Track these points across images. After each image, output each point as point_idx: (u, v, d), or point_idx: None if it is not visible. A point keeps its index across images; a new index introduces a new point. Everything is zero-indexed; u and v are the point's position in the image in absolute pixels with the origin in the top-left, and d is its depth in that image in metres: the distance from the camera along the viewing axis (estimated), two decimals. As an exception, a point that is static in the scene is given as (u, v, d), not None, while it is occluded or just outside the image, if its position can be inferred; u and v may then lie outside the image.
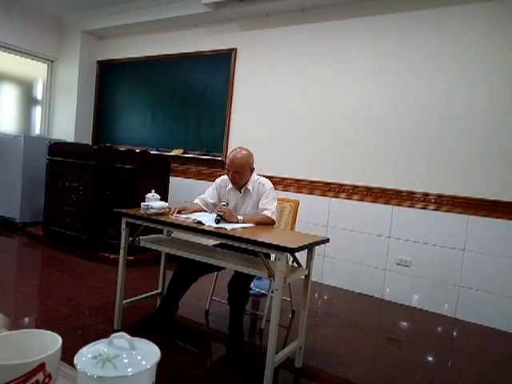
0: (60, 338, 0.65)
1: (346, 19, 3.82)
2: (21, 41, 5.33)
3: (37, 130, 5.89)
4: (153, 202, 2.33)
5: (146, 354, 0.63)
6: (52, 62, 5.89)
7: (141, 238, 2.41)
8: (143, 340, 0.67)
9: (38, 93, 5.89)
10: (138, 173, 4.03)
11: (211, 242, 2.58)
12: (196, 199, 2.65)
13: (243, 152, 2.51)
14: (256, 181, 2.57)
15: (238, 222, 2.26)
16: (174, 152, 4.90)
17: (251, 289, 3.16)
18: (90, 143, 5.71)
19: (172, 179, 4.58)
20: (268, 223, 2.41)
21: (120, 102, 5.58)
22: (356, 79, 3.76)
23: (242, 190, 2.56)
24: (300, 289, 2.32)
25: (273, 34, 4.26)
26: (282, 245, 1.82)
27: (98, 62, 5.82)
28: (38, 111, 5.90)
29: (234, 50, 4.51)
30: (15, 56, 5.47)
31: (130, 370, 0.59)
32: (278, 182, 4.07)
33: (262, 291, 3.30)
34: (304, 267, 2.20)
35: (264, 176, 2.65)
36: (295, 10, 4.06)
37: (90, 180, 4.01)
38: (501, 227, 3.12)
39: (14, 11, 5.17)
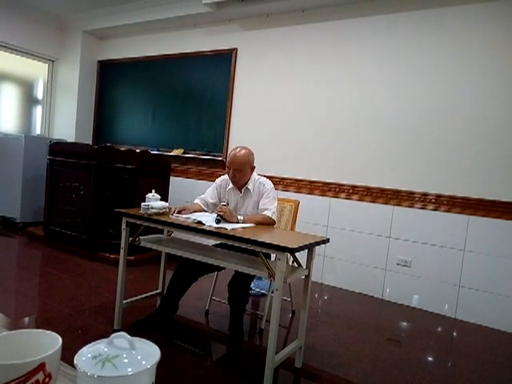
0: (60, 338, 0.65)
1: (347, 19, 3.82)
2: (21, 41, 5.34)
3: (37, 129, 5.90)
4: (153, 201, 2.33)
5: (146, 353, 0.63)
6: (53, 61, 5.89)
7: (141, 238, 2.41)
8: (143, 340, 0.67)
9: (39, 93, 5.89)
10: (138, 173, 4.03)
11: (211, 242, 2.58)
12: (196, 199, 2.66)
13: (244, 150, 2.51)
14: (257, 180, 2.57)
15: (238, 222, 2.26)
16: (175, 152, 4.90)
17: (251, 289, 3.16)
18: (91, 143, 5.72)
19: (172, 179, 4.58)
20: (268, 223, 2.41)
21: (120, 102, 5.59)
22: (356, 79, 3.76)
23: (243, 190, 2.56)
24: (300, 289, 2.32)
25: (273, 34, 4.26)
26: (282, 245, 1.82)
27: (99, 61, 5.83)
28: (38, 111, 5.91)
29: (235, 50, 4.51)
30: (16, 56, 5.47)
31: (130, 369, 0.59)
32: (278, 182, 4.07)
33: (262, 291, 3.30)
34: (304, 267, 2.20)
35: (264, 176, 2.65)
36: (296, 10, 4.06)
37: (91, 180, 4.01)
38: (500, 227, 3.12)
39: (14, 11, 5.18)
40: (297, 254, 2.03)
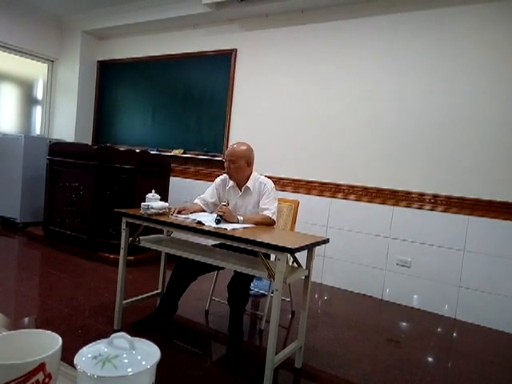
0: (60, 338, 0.65)
1: (347, 20, 3.82)
2: (21, 41, 5.33)
3: (37, 130, 5.89)
4: (153, 202, 2.33)
5: (146, 354, 0.63)
6: (52, 61, 5.89)
7: (141, 238, 2.41)
8: (143, 340, 0.67)
9: (39, 93, 5.89)
10: (138, 173, 4.03)
11: (211, 242, 2.57)
12: (196, 199, 2.65)
13: (244, 146, 2.53)
14: (257, 180, 2.56)
15: (238, 222, 2.26)
16: (174, 152, 4.90)
17: (251, 289, 3.16)
18: (90, 143, 5.72)
19: (172, 179, 4.58)
20: (268, 223, 2.41)
21: (120, 102, 5.59)
22: (355, 79, 3.76)
23: (242, 189, 2.56)
24: (300, 289, 2.32)
25: (273, 35, 4.26)
26: (282, 245, 1.82)
27: (99, 61, 5.83)
28: (38, 111, 5.91)
29: (235, 50, 4.51)
30: (15, 56, 5.47)
31: (130, 370, 0.59)
32: (278, 182, 4.07)
33: (262, 291, 3.30)
34: (304, 267, 2.20)
35: (264, 176, 2.65)
36: (295, 10, 4.07)
37: (90, 180, 4.01)
38: (501, 227, 3.12)
39: (14, 11, 5.18)
40: (296, 255, 2.03)
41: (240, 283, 2.39)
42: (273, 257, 1.93)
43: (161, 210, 2.31)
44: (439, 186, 3.36)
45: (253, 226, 2.29)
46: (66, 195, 4.26)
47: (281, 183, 4.11)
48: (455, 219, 3.28)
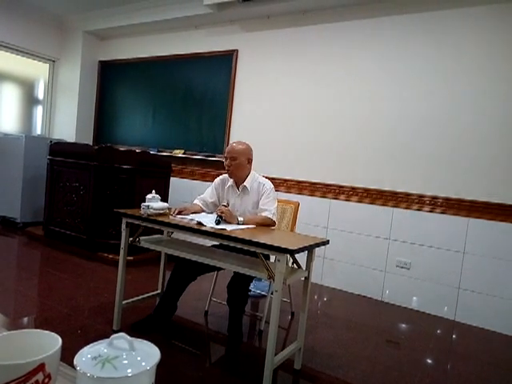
0: (60, 339, 0.65)
1: (348, 21, 3.82)
2: (22, 41, 5.34)
3: (38, 129, 5.90)
4: (153, 202, 2.33)
5: (145, 354, 0.63)
6: (53, 62, 5.90)
7: (141, 238, 2.41)
8: (143, 341, 0.67)
9: (40, 93, 5.89)
10: (138, 173, 4.03)
11: (211, 243, 2.57)
12: (196, 200, 2.65)
13: (242, 143, 2.54)
14: (255, 180, 2.56)
15: (238, 223, 2.26)
16: (175, 153, 4.90)
17: (251, 290, 3.16)
18: (91, 143, 5.72)
19: (172, 180, 4.58)
20: (268, 224, 2.41)
21: (121, 103, 5.59)
22: (357, 81, 3.76)
23: (240, 188, 2.56)
24: (300, 290, 2.32)
25: (274, 36, 4.27)
26: (282, 246, 1.82)
27: (100, 62, 5.83)
28: (39, 111, 5.91)
29: (236, 51, 4.52)
30: (17, 56, 5.47)
31: (129, 370, 0.59)
32: (279, 183, 4.07)
33: (262, 292, 3.30)
34: (304, 269, 2.20)
35: (264, 177, 2.65)
36: (297, 11, 4.07)
37: (91, 180, 4.01)
38: (501, 229, 3.12)
39: (15, 11, 5.19)
40: (296, 256, 2.03)
41: (239, 284, 2.39)
42: (272, 258, 1.92)
43: (161, 210, 2.31)
44: (439, 187, 3.36)
45: (253, 226, 2.29)
46: (66, 195, 4.26)
47: (284, 185, 4.12)
48: (454, 221, 3.28)
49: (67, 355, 0.74)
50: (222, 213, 2.24)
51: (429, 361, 2.53)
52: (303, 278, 2.22)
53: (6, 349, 0.63)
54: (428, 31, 3.43)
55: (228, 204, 2.43)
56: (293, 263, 2.20)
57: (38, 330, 0.67)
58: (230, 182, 2.60)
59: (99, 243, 4.00)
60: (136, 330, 2.39)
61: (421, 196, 3.43)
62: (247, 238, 1.92)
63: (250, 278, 2.40)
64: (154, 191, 2.42)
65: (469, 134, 3.26)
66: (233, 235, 1.97)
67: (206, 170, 4.73)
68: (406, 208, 3.49)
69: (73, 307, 2.71)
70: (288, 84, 4.16)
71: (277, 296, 1.85)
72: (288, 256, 1.90)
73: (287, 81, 4.17)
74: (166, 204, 2.37)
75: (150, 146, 5.10)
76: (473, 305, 3.21)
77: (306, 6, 3.95)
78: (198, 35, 4.83)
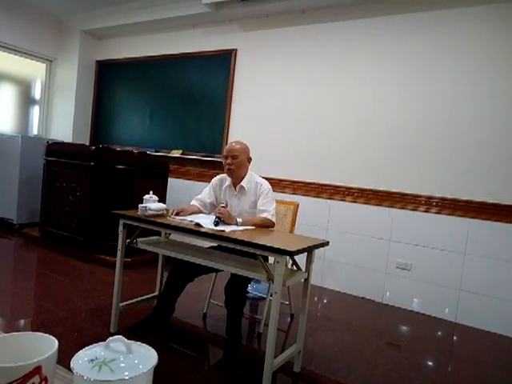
0: (56, 341, 0.65)
1: (347, 20, 3.82)
2: (19, 40, 5.32)
3: (34, 130, 5.87)
4: (151, 203, 2.31)
5: (143, 357, 0.63)
6: (51, 61, 5.87)
7: (138, 239, 2.39)
8: (140, 343, 0.67)
9: (37, 93, 5.86)
10: (136, 174, 4.00)
11: (209, 244, 2.55)
12: (193, 200, 2.63)
13: (241, 143, 2.54)
14: (253, 180, 2.54)
15: (236, 224, 2.24)
16: (173, 153, 4.88)
17: (250, 292, 3.14)
18: (88, 144, 5.69)
19: (171, 180, 4.55)
20: (267, 225, 2.39)
21: (119, 103, 5.57)
22: (357, 80, 3.76)
23: (237, 188, 2.54)
24: (299, 292, 2.30)
25: (273, 35, 4.26)
26: (281, 248, 1.80)
27: (97, 61, 5.82)
28: (35, 111, 5.88)
29: (234, 50, 4.51)
30: (14, 56, 5.44)
31: (126, 373, 0.59)
32: (277, 184, 4.05)
33: (261, 295, 3.28)
34: (303, 270, 2.18)
35: (264, 177, 2.63)
36: (296, 11, 4.07)
37: (88, 181, 3.98)
38: (502, 231, 3.11)
39: (12, 11, 5.16)
40: (296, 257, 2.01)
41: (237, 285, 2.37)
42: (272, 259, 1.91)
43: (158, 211, 2.29)
44: (441, 188, 3.35)
45: (252, 228, 2.27)
46: (62, 196, 4.23)
47: (282, 185, 4.10)
48: (456, 222, 3.27)
49: (64, 358, 0.72)
50: (220, 214, 2.22)
51: (430, 363, 2.51)
52: (303, 280, 2.20)
53: (2, 351, 0.63)
54: (428, 31, 3.43)
55: (226, 205, 2.41)
56: (292, 265, 2.18)
57: (35, 333, 0.67)
58: (228, 182, 2.58)
59: (96, 245, 3.97)
60: (133, 332, 2.36)
61: (422, 196, 3.42)
62: (246, 240, 1.90)
63: (248, 280, 2.38)
64: (151, 192, 2.40)
65: (470, 135, 3.25)
66: (232, 236, 1.95)
67: (204, 171, 4.72)
68: (405, 208, 3.48)
69: (69, 309, 2.68)
70: (287, 83, 4.15)
71: (276, 298, 1.83)
72: (287, 257, 1.88)
73: (286, 80, 4.16)
74: (163, 205, 2.35)
75: (148, 147, 5.08)
76: (474, 306, 3.19)
77: (304, 6, 3.95)
78: (197, 34, 4.82)
